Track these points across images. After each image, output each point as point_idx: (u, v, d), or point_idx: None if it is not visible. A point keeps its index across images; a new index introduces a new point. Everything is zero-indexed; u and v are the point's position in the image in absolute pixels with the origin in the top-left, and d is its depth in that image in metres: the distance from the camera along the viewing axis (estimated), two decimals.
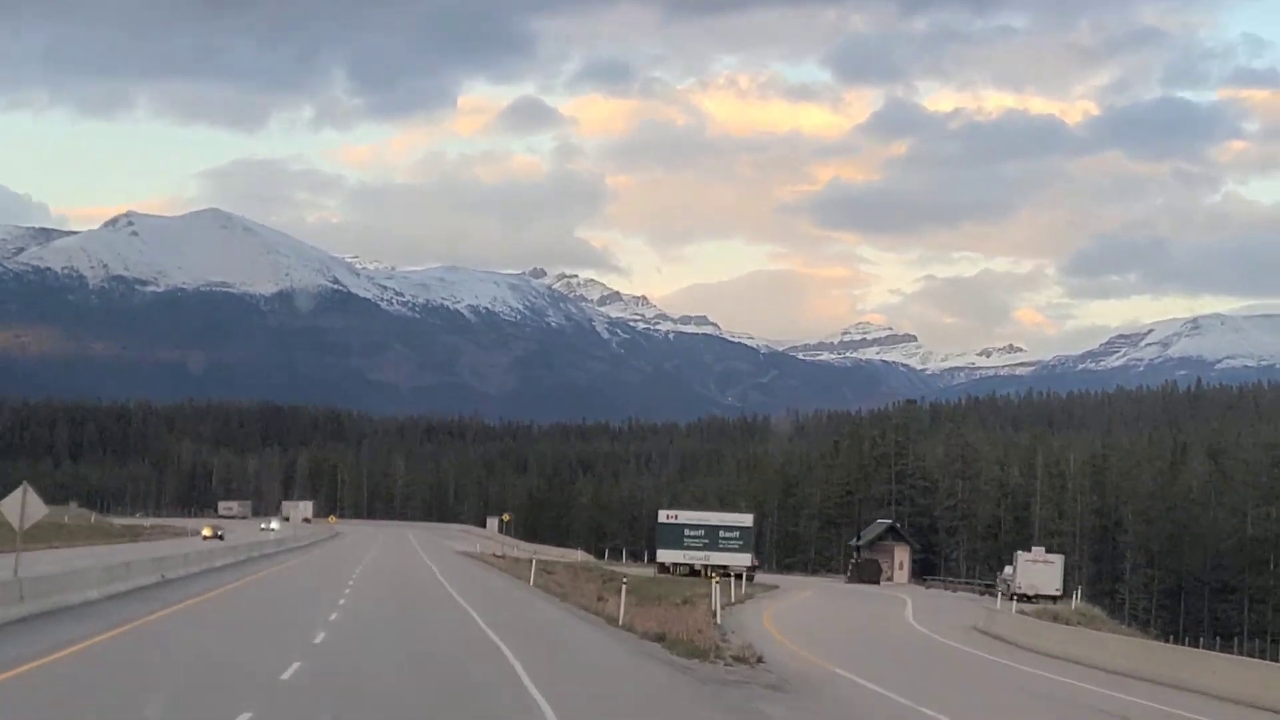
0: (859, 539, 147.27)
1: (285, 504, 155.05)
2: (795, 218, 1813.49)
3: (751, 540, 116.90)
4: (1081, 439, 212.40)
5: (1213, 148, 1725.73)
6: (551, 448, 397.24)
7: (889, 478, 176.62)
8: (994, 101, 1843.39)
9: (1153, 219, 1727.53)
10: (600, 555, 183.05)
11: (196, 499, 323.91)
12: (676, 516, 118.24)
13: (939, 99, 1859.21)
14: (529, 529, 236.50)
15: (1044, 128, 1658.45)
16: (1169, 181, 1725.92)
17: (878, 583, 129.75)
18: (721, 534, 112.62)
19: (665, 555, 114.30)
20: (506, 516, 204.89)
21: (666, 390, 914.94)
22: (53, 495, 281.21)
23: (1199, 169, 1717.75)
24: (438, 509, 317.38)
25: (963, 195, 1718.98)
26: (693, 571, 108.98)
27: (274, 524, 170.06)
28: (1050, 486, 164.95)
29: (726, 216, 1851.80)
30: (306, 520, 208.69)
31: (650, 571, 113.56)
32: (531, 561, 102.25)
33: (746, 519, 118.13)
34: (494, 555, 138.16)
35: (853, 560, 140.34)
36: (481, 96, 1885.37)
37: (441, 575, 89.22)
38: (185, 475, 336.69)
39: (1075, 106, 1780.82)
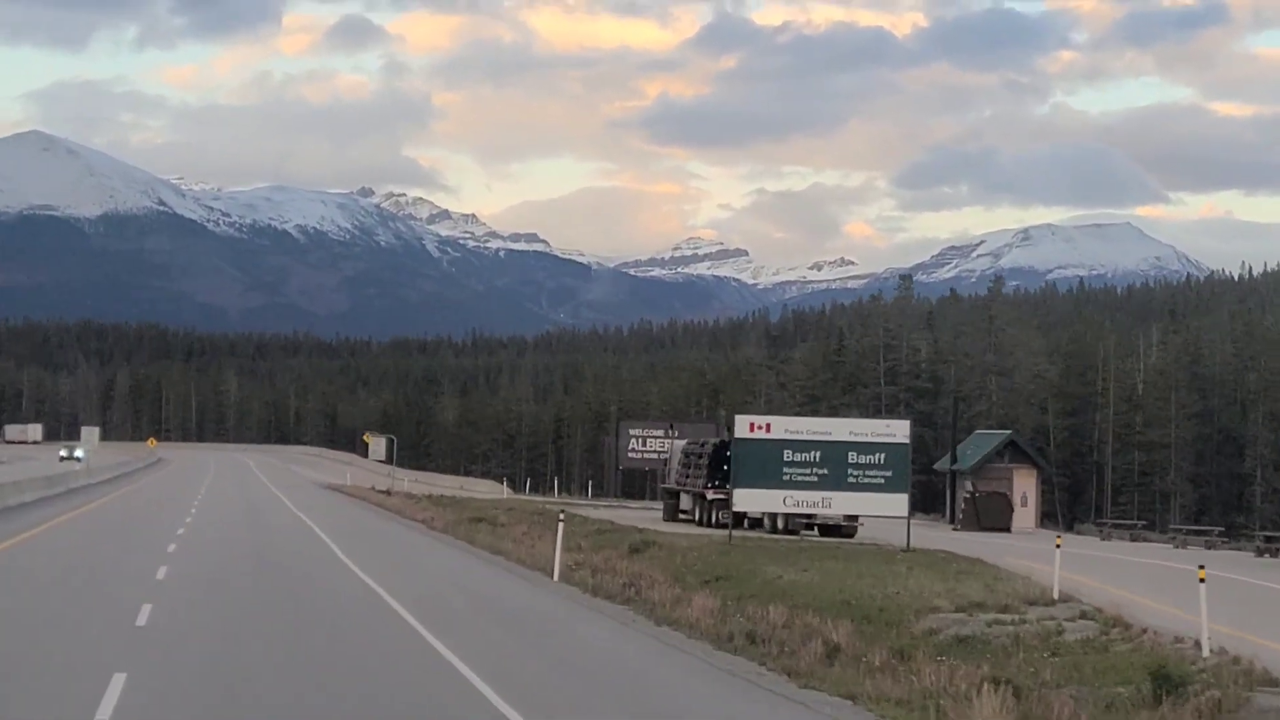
0: (955, 461, 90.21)
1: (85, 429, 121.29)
2: (625, 134, 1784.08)
3: (907, 470, 58.47)
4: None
5: (1041, 58, 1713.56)
6: (394, 364, 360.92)
7: (877, 378, 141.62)
8: (822, 14, 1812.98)
9: (982, 130, 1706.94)
10: (513, 486, 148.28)
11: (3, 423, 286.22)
12: (769, 428, 58.39)
13: (768, 13, 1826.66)
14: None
15: (872, 40, 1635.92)
16: (998, 92, 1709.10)
17: (1008, 529, 79.60)
18: (856, 457, 56.73)
19: (747, 497, 57.71)
20: (368, 438, 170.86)
21: (499, 308, 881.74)
22: None
23: (1028, 79, 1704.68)
24: (277, 430, 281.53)
25: (793, 109, 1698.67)
26: (791, 528, 60.99)
27: (78, 451, 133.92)
28: (1123, 388, 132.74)
29: (556, 134, 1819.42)
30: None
31: (648, 517, 75.76)
32: (468, 520, 66.13)
33: (897, 429, 59.40)
34: (380, 492, 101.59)
35: (968, 494, 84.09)
36: (307, 15, 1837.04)
37: (349, 556, 47.90)
38: None
39: (904, 19, 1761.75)
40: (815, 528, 62.36)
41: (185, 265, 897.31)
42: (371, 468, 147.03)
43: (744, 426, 58.02)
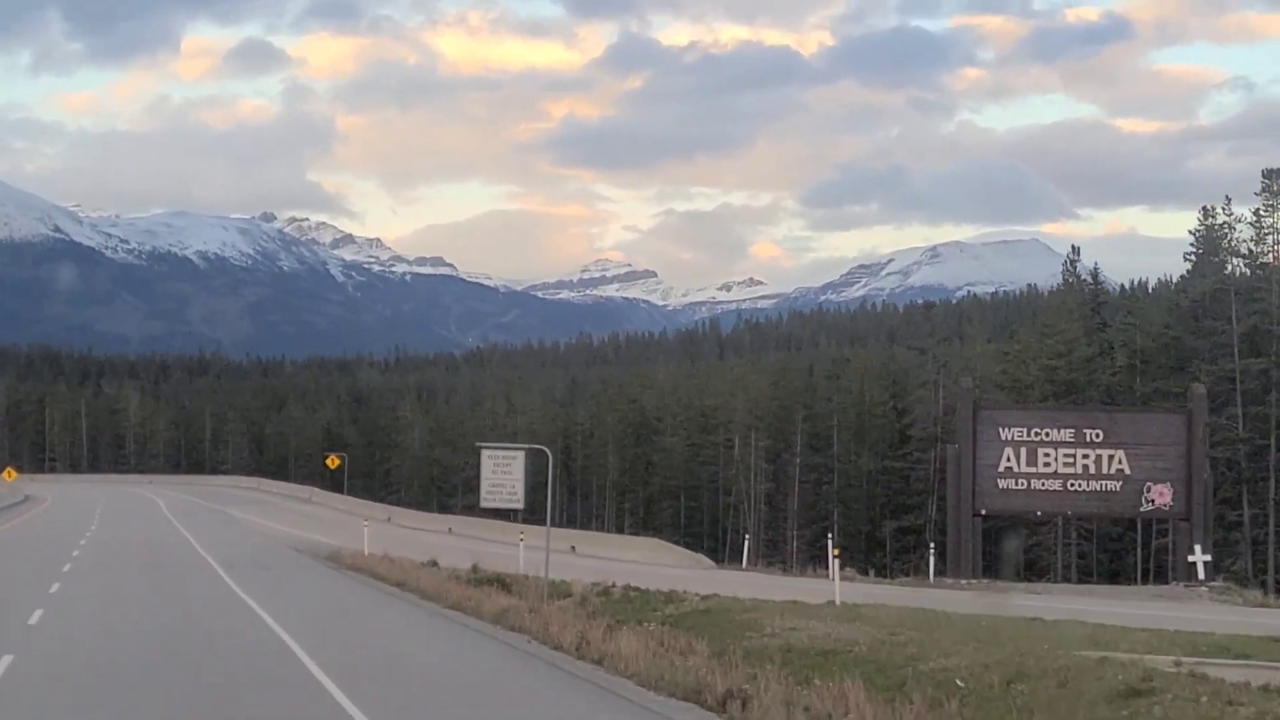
0: None
1: None
2: (531, 156, 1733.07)
3: None
4: None
5: (948, 75, 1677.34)
6: (314, 381, 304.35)
7: None
8: (729, 34, 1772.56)
9: (890, 149, 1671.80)
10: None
11: None
12: None
13: (673, 32, 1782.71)
14: (333, 481, 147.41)
15: (779, 59, 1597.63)
16: (905, 110, 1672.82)
17: None
18: None
19: None
20: (334, 461, 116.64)
21: (407, 332, 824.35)
22: None
23: (934, 97, 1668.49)
24: (189, 457, 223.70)
25: (700, 129, 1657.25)
26: None
27: None
28: None
29: (461, 157, 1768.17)
30: None
31: None
32: None
33: None
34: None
35: None
36: (206, 39, 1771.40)
37: None
38: None
39: (810, 37, 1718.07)
40: None
41: (83, 293, 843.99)
42: (345, 507, 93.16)
43: None
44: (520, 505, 39.84)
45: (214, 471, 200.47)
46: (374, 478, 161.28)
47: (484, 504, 40.51)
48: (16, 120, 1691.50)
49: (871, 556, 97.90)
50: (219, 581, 43.55)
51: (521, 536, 48.31)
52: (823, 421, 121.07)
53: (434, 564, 48.26)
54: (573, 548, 69.00)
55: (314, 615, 34.68)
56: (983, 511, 60.70)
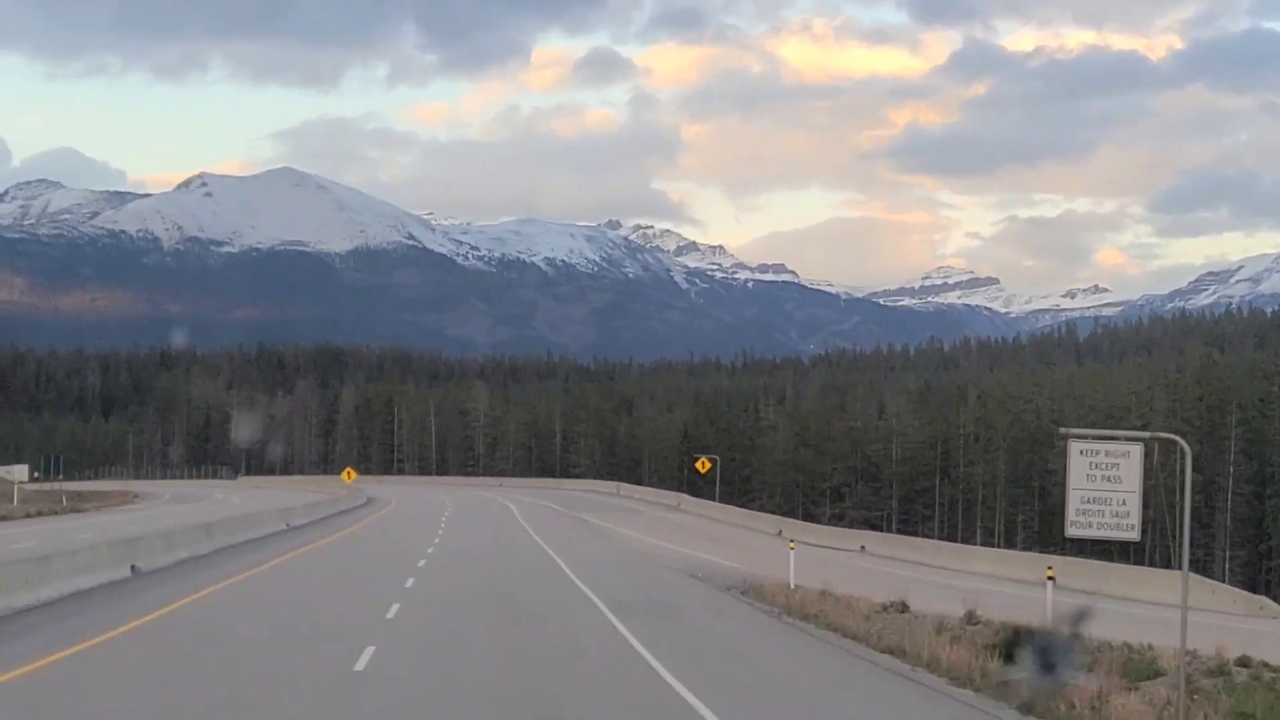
0: None
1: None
2: (872, 163, 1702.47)
3: None
4: None
5: None
6: (660, 384, 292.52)
7: None
8: (1075, 39, 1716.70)
9: (1238, 153, 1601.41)
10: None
11: (212, 453, 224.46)
12: None
13: (1018, 38, 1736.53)
14: (690, 485, 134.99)
15: (1126, 63, 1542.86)
16: (1256, 114, 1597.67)
17: None
18: None
19: None
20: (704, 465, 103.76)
21: (749, 339, 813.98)
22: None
23: None
24: (540, 460, 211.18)
25: (1043, 135, 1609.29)
26: None
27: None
28: None
29: (803, 164, 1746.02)
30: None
31: None
32: None
33: None
34: None
35: None
36: (555, 48, 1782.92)
37: None
38: (198, 425, 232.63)
39: (1159, 41, 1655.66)
40: None
41: (434, 299, 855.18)
42: (721, 516, 79.43)
43: None
44: (1135, 536, 23.97)
45: (564, 474, 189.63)
46: (732, 483, 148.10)
47: (1071, 531, 24.58)
48: (372, 130, 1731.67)
49: None
50: (614, 637, 30.01)
51: (1050, 574, 31.46)
52: (1253, 425, 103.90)
53: (903, 608, 33.98)
54: (1050, 578, 53.97)
55: None
56: None
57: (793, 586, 40.23)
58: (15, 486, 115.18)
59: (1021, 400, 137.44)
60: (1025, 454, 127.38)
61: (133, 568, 39.82)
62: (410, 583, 41.42)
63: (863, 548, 71.10)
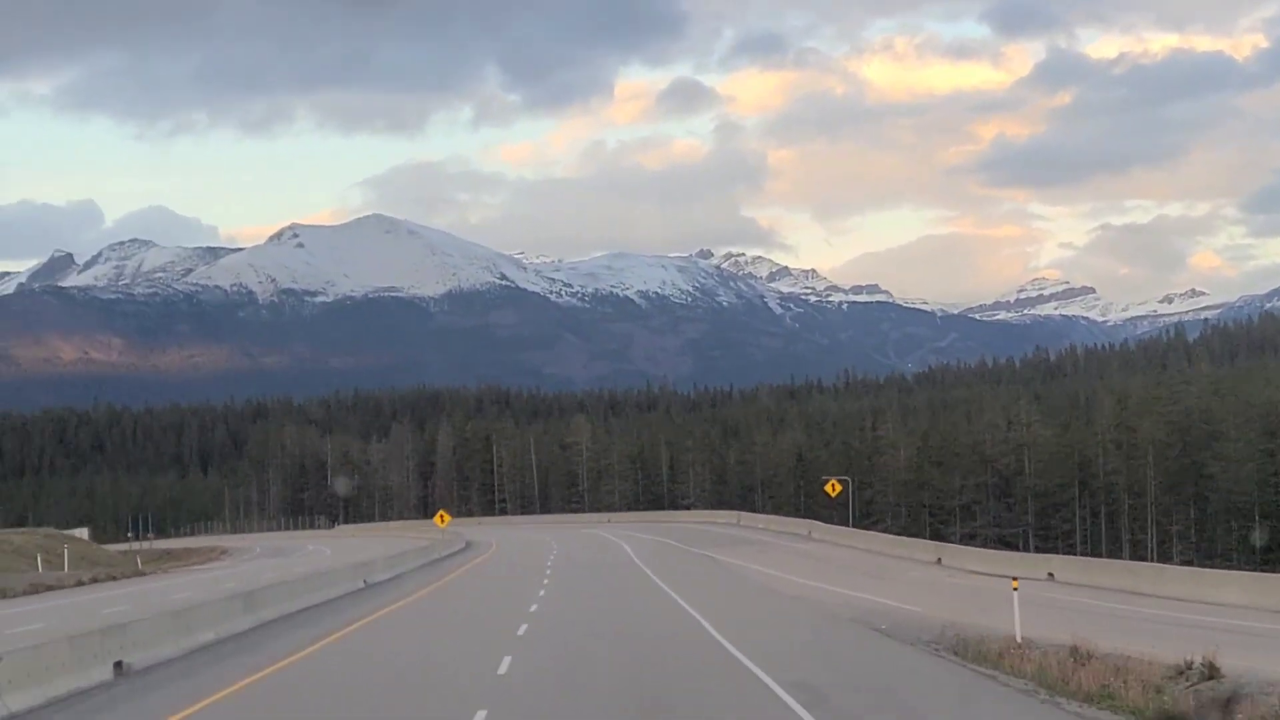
0: None
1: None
2: (961, 179, 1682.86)
3: None
4: None
5: None
6: (765, 411, 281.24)
7: None
8: (1159, 43, 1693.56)
9: None
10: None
11: (309, 503, 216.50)
12: None
13: (1101, 45, 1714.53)
14: (809, 510, 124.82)
15: (1212, 65, 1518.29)
16: None
17: None
18: None
19: None
20: (834, 487, 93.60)
21: (846, 361, 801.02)
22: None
23: None
24: (647, 493, 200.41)
25: (1131, 142, 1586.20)
26: None
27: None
28: None
29: (891, 183, 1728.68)
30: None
31: None
32: None
33: None
34: None
35: None
36: (637, 81, 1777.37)
37: None
38: (294, 475, 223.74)
39: (1243, 41, 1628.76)
40: None
41: (529, 337, 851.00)
42: (862, 544, 69.36)
43: None
44: None
45: (674, 506, 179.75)
46: (849, 506, 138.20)
47: None
48: (459, 174, 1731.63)
49: None
50: None
51: None
52: None
53: (1209, 671, 23.73)
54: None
55: None
56: None
57: (1019, 640, 30.26)
58: (66, 549, 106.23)
59: (1167, 401, 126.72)
60: (1176, 458, 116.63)
61: (117, 665, 30.18)
62: (504, 667, 31.10)
63: (1050, 575, 60.08)
